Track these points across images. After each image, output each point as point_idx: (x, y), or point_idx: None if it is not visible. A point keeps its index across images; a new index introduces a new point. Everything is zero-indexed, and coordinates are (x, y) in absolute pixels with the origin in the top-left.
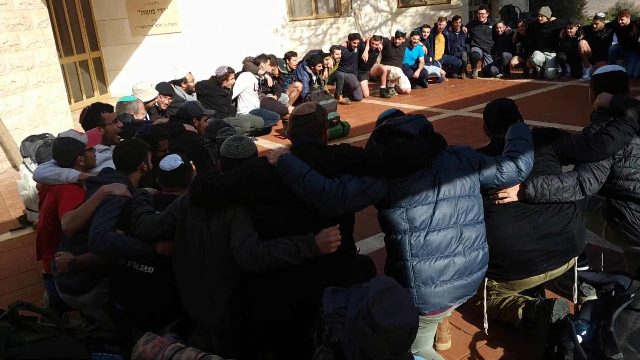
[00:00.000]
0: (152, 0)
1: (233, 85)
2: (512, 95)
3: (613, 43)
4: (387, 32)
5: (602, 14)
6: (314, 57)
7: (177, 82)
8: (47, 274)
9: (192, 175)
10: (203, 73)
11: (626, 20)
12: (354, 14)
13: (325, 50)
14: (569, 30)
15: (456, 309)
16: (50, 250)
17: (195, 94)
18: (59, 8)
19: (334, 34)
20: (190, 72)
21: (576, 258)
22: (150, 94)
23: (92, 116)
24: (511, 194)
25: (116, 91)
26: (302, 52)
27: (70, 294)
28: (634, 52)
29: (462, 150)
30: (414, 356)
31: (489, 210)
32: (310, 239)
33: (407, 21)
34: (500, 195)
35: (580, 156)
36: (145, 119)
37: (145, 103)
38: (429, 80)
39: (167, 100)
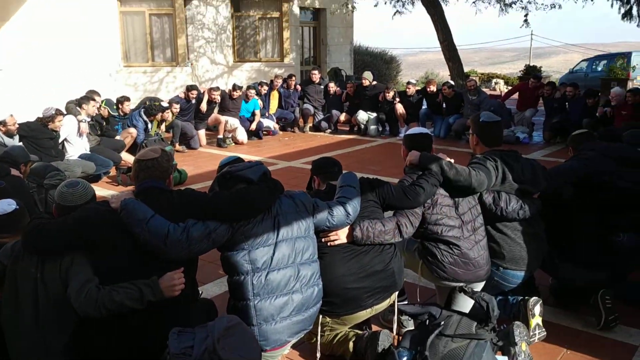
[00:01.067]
0: None
1: (61, 127)
2: (340, 149)
3: (423, 107)
4: (224, 84)
5: (413, 81)
6: (153, 108)
7: None
8: None
9: (27, 221)
10: (28, 115)
11: (433, 88)
12: (191, 64)
13: (161, 97)
14: (387, 93)
15: (293, 347)
16: None
17: (16, 138)
18: None
19: (170, 82)
20: (12, 115)
21: (396, 293)
22: None
23: None
24: (341, 236)
25: None
26: (137, 98)
27: None
28: (440, 115)
29: (298, 195)
30: None
31: (321, 252)
32: (154, 283)
33: (243, 75)
34: (332, 237)
35: (398, 203)
36: None
37: None
38: (264, 132)
39: None
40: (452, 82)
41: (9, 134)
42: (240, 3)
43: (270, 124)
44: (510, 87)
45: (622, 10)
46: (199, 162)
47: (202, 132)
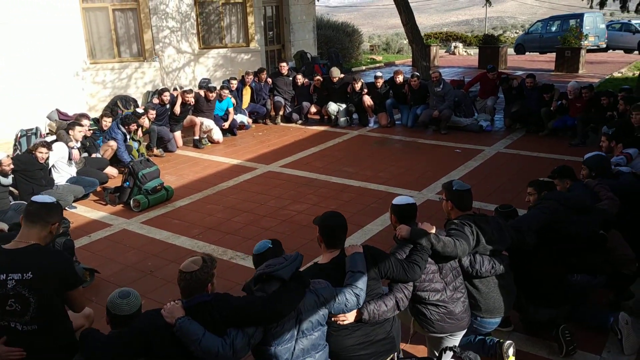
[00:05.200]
0: None
1: (48, 157)
2: (313, 145)
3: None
4: (191, 72)
5: (379, 73)
6: (128, 118)
7: None
8: None
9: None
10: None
11: (400, 79)
12: (159, 57)
13: (130, 93)
14: (355, 84)
15: None
16: None
17: (10, 177)
18: None
19: (139, 78)
20: (8, 155)
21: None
22: None
23: None
24: (349, 318)
25: None
26: (106, 95)
27: None
28: (406, 105)
29: (321, 290)
30: None
31: (331, 327)
32: None
33: (209, 62)
34: (341, 318)
35: (397, 277)
36: None
37: None
38: (237, 128)
39: None
40: (418, 74)
41: (4, 174)
42: None
43: (243, 118)
44: (468, 52)
45: None
46: (180, 171)
47: (177, 134)
